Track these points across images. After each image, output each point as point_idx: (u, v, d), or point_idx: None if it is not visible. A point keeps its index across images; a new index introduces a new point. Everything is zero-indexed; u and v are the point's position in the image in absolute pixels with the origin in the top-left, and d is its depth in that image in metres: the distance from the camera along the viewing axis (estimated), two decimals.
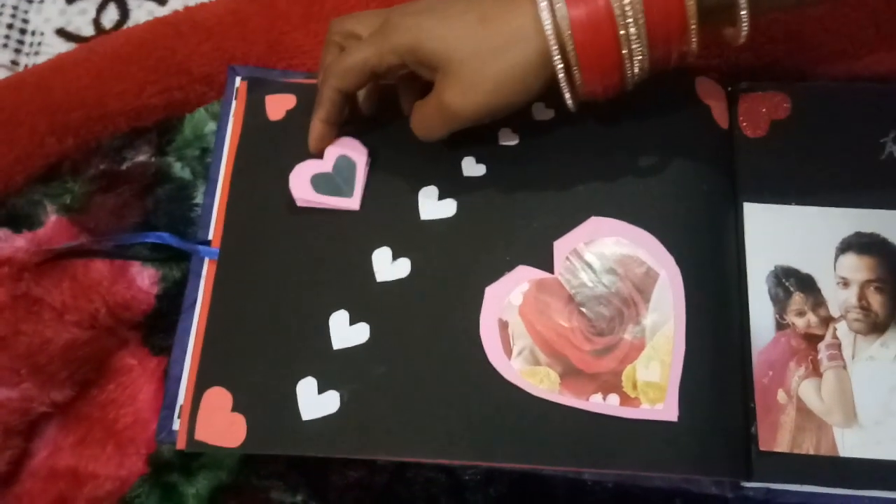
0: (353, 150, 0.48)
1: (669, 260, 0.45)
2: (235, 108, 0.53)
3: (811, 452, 0.43)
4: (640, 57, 0.39)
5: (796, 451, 0.43)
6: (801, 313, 0.46)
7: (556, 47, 0.39)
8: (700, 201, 0.46)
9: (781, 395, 0.44)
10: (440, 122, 0.43)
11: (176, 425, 0.46)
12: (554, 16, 0.38)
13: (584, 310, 0.45)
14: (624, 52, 0.39)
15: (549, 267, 0.46)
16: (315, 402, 0.44)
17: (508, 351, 0.44)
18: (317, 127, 0.47)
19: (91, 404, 0.48)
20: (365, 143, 0.49)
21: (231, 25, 0.54)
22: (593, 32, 0.38)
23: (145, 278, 0.51)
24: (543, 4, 0.38)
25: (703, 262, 0.45)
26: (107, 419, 0.48)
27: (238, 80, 0.54)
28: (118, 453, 0.47)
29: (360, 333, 0.45)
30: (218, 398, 0.44)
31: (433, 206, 0.48)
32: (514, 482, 0.46)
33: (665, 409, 0.42)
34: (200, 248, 0.49)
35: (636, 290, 0.45)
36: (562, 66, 0.40)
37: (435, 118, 0.43)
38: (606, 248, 0.46)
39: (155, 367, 0.49)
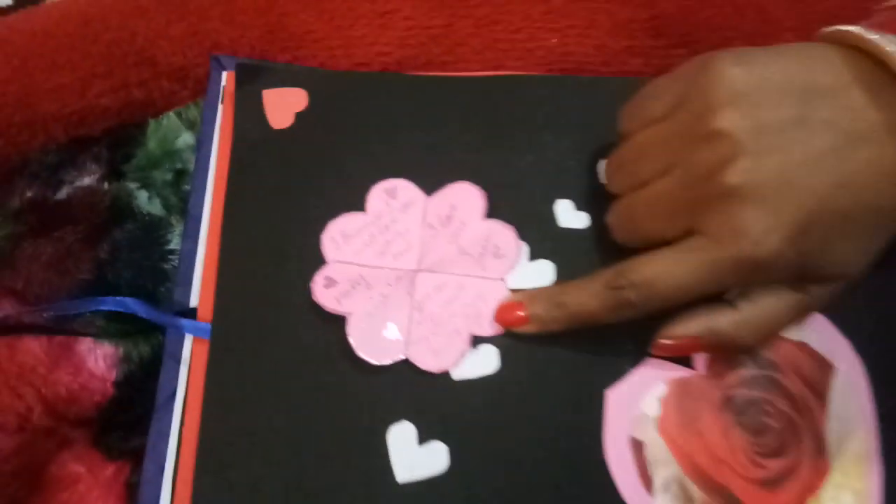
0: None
1: (845, 346, 0.34)
2: (223, 113, 0.38)
3: None
4: None
5: None
6: None
7: None
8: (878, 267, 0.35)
9: None
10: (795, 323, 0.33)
11: None
12: None
13: (743, 419, 0.33)
14: None
15: (686, 359, 0.33)
16: None
17: (647, 483, 0.32)
18: (551, 323, 0.33)
19: None
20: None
21: (214, 0, 0.39)
22: None
23: (99, 359, 0.36)
24: None
25: (891, 348, 0.34)
26: None
27: (224, 75, 0.39)
28: None
29: (435, 457, 0.32)
30: None
31: (521, 268, 0.34)
32: None
33: None
34: (184, 321, 0.34)
35: (807, 388, 0.33)
36: None
37: (791, 322, 0.32)
38: None
39: (111, 477, 0.36)
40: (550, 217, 0.35)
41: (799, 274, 0.30)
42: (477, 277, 0.34)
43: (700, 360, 0.33)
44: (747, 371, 0.33)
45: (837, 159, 0.28)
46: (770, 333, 0.31)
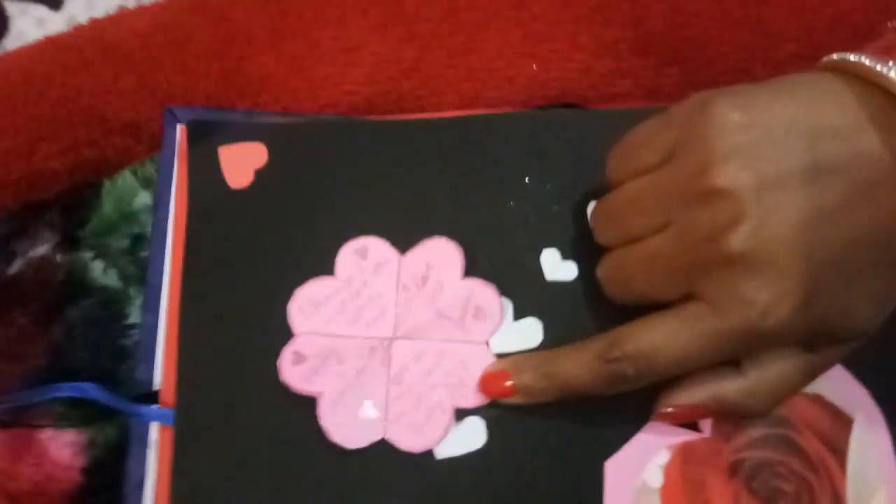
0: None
1: (864, 396, 0.31)
2: (178, 170, 0.35)
3: None
4: None
5: None
6: None
7: None
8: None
9: None
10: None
11: None
12: None
13: (754, 485, 0.30)
14: None
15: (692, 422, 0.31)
16: None
17: None
18: (540, 395, 0.30)
19: None
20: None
21: (164, 48, 0.37)
22: None
23: (63, 447, 0.34)
24: None
25: None
26: None
27: (179, 127, 0.36)
28: None
29: None
30: None
31: (506, 329, 0.32)
32: None
33: None
34: (144, 409, 0.32)
35: (823, 445, 0.30)
36: None
37: (804, 385, 0.28)
38: None
39: None
40: (536, 270, 0.32)
41: (811, 339, 0.27)
42: (458, 342, 0.31)
43: (706, 420, 0.31)
44: (757, 431, 0.31)
45: (851, 214, 0.25)
46: (781, 399, 0.28)
